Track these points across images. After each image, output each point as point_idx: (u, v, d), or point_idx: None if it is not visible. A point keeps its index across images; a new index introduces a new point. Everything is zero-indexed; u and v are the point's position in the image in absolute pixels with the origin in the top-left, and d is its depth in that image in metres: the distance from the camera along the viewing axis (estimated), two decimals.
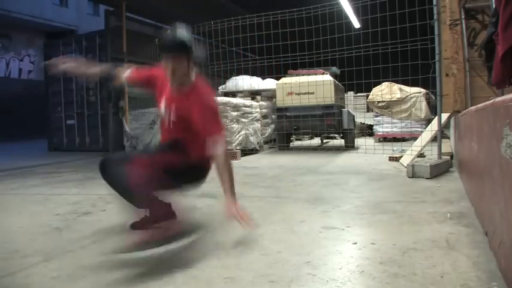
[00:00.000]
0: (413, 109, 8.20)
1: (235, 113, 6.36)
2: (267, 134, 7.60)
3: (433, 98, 6.31)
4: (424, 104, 8.13)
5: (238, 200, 1.93)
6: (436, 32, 4.15)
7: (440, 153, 4.20)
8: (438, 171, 3.86)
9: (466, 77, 5.16)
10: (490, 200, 1.70)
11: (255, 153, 6.85)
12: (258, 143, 7.04)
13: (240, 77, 7.81)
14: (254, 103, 7.16)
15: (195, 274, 1.55)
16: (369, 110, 10.04)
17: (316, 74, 7.39)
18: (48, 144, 9.55)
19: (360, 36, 5.35)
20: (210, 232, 2.16)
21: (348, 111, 7.40)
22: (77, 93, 8.93)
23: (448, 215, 2.32)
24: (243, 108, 6.63)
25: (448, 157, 4.36)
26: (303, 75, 7.35)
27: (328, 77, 7.13)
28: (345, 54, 5.35)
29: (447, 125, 5.33)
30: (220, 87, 8.16)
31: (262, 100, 7.65)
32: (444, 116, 4.62)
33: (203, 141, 1.97)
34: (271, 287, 1.43)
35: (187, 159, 2.04)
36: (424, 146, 4.61)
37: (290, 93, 7.06)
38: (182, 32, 1.99)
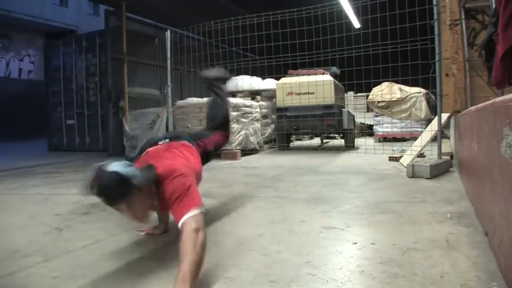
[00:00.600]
0: (413, 109, 8.20)
1: (235, 113, 6.36)
2: (267, 134, 7.60)
3: (433, 98, 6.31)
4: (424, 104, 8.13)
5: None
6: (436, 32, 4.15)
7: (440, 153, 4.20)
8: (438, 171, 3.86)
9: (466, 77, 5.16)
10: (490, 200, 1.70)
11: (255, 153, 6.85)
12: (258, 143, 7.05)
13: (240, 77, 7.82)
14: (254, 103, 7.16)
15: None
16: (369, 110, 10.04)
17: (316, 74, 7.39)
18: (48, 144, 9.56)
19: (360, 36, 5.35)
20: (209, 232, 2.16)
21: (348, 111, 7.40)
22: (77, 93, 8.94)
23: (448, 215, 2.32)
24: (243, 108, 6.64)
25: (448, 157, 4.36)
26: (303, 75, 7.35)
27: (328, 77, 7.13)
28: (345, 54, 5.35)
29: (447, 125, 5.33)
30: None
31: (262, 100, 7.65)
32: (444, 116, 4.62)
33: None
34: (271, 287, 1.43)
35: None
36: (424, 146, 4.60)
37: (290, 93, 7.06)
38: (116, 169, 1.49)
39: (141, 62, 8.26)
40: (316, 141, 9.12)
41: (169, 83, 6.20)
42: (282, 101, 7.19)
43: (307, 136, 9.20)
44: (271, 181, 3.86)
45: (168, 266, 1.64)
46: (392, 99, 8.33)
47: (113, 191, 1.46)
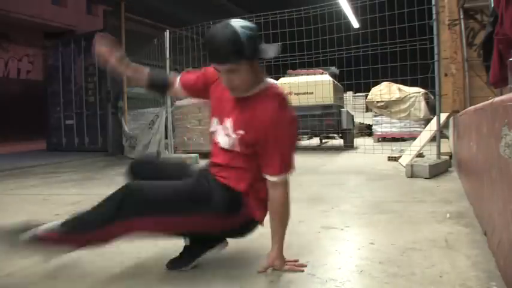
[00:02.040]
0: (412, 109, 8.21)
1: None
2: None
3: (432, 97, 6.32)
4: (423, 103, 8.14)
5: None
6: (434, 32, 4.15)
7: (439, 153, 4.21)
8: (437, 171, 3.87)
9: (464, 77, 5.18)
10: (488, 199, 1.71)
11: None
12: None
13: None
14: None
15: (194, 274, 1.55)
16: (368, 109, 10.05)
17: (315, 74, 7.39)
18: (47, 144, 9.54)
19: (359, 36, 5.35)
20: None
21: (347, 111, 7.41)
22: (76, 94, 8.92)
23: (447, 214, 2.32)
24: None
25: (447, 157, 4.36)
26: (302, 75, 7.35)
27: (327, 77, 7.14)
28: (344, 54, 5.35)
29: (446, 124, 5.33)
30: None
31: None
32: (443, 116, 4.63)
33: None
34: (271, 287, 1.43)
35: (234, 222, 1.53)
36: (423, 146, 4.61)
37: (289, 93, 7.06)
38: (235, 25, 1.34)
39: (140, 62, 8.23)
40: (315, 141, 9.13)
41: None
42: None
43: (306, 136, 9.21)
44: None
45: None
46: (391, 99, 8.34)
47: (241, 39, 1.32)
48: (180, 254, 1.62)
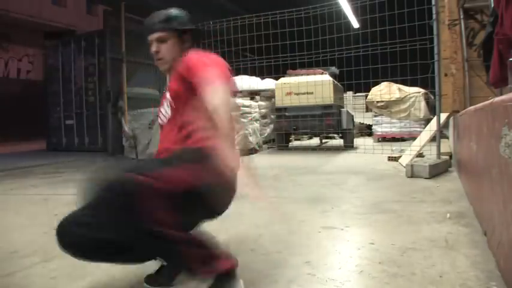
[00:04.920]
0: (412, 109, 8.21)
1: (234, 113, 6.37)
2: (266, 134, 7.60)
3: (432, 97, 6.33)
4: (423, 103, 8.14)
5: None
6: (435, 32, 4.15)
7: (439, 153, 4.21)
8: (437, 171, 3.87)
9: (465, 77, 5.17)
10: (488, 199, 1.71)
11: (254, 153, 6.85)
12: (257, 143, 7.04)
13: (239, 77, 7.82)
14: (253, 103, 7.16)
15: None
16: (368, 109, 10.05)
17: (315, 74, 7.39)
18: (47, 144, 9.54)
19: (359, 36, 5.35)
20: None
21: (347, 111, 7.41)
22: (76, 93, 8.93)
23: (447, 214, 2.32)
24: (242, 108, 6.64)
25: (447, 157, 4.36)
26: (302, 75, 7.35)
27: (327, 77, 7.13)
28: (344, 54, 5.35)
29: (446, 124, 5.33)
30: None
31: (261, 100, 7.65)
32: (443, 116, 4.63)
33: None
34: (271, 287, 1.43)
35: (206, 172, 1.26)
36: (423, 146, 4.61)
37: (289, 93, 7.07)
38: (171, 9, 1.62)
39: (140, 62, 8.25)
40: (315, 141, 9.12)
41: (168, 83, 6.19)
42: (281, 101, 7.19)
43: (306, 136, 9.21)
44: (270, 181, 3.86)
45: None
46: (391, 99, 8.34)
47: (170, 14, 1.58)
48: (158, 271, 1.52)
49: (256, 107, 7.18)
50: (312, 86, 6.93)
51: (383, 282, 1.41)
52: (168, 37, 1.56)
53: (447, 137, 5.75)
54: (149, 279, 1.49)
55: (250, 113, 6.88)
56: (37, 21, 13.24)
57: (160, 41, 1.56)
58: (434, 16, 4.16)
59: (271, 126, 7.78)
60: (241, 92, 7.62)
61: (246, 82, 7.71)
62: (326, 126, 6.97)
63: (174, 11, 1.61)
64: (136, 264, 1.42)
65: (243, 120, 6.60)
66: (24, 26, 13.23)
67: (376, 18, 4.96)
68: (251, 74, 7.99)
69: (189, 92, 1.46)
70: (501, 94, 2.51)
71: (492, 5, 3.00)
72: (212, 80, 1.35)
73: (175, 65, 1.57)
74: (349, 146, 7.21)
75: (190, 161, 1.36)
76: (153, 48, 1.57)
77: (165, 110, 1.60)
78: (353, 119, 7.78)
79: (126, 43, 7.77)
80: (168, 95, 1.59)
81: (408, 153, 4.63)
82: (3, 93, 13.06)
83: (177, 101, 1.53)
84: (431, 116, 6.51)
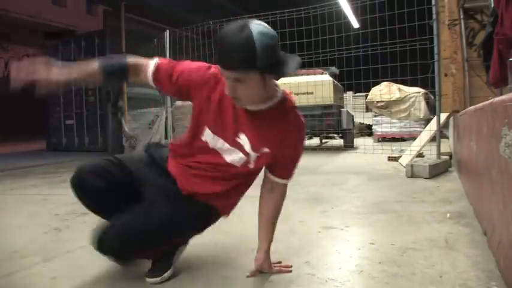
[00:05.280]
0: (412, 109, 8.21)
1: None
2: None
3: (432, 97, 6.33)
4: (423, 103, 8.14)
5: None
6: (435, 32, 4.15)
7: (439, 153, 4.21)
8: (437, 171, 3.87)
9: (465, 77, 5.17)
10: (488, 199, 1.71)
11: None
12: None
13: None
14: None
15: (194, 274, 1.55)
16: (368, 109, 10.05)
17: (315, 74, 7.39)
18: (47, 145, 9.56)
19: (359, 36, 5.35)
20: (209, 232, 2.16)
21: (347, 111, 7.41)
22: (76, 94, 8.94)
23: (448, 214, 2.32)
24: None
25: (447, 157, 4.36)
26: (302, 75, 7.35)
27: (327, 77, 7.13)
28: (344, 54, 5.35)
29: (446, 124, 5.33)
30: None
31: None
32: (443, 116, 4.63)
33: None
34: (271, 287, 1.43)
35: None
36: (423, 146, 4.61)
37: (289, 93, 7.06)
38: (253, 29, 1.18)
39: None
40: (315, 141, 9.12)
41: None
42: None
43: (306, 136, 9.20)
44: None
45: None
46: (391, 99, 8.34)
47: (256, 46, 1.16)
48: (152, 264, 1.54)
49: None
50: (312, 86, 6.93)
51: (383, 282, 1.41)
52: (250, 78, 1.22)
53: (447, 137, 5.75)
54: (149, 272, 1.51)
55: None
56: (37, 21, 13.24)
57: (238, 80, 1.23)
58: (434, 16, 4.16)
59: None
60: None
61: None
62: (326, 126, 6.97)
63: (259, 40, 1.17)
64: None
65: None
66: (24, 26, 13.23)
67: (376, 18, 4.96)
68: None
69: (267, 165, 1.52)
70: (501, 94, 2.51)
71: (492, 5, 3.00)
72: (290, 178, 1.56)
73: (260, 105, 1.36)
74: (349, 146, 7.21)
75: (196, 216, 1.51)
76: (229, 88, 1.26)
77: (232, 155, 1.43)
78: (353, 119, 7.78)
79: (126, 43, 7.77)
80: (249, 141, 1.39)
81: (408, 153, 4.63)
82: (3, 93, 13.07)
83: (261, 162, 1.47)
84: (431, 116, 6.51)
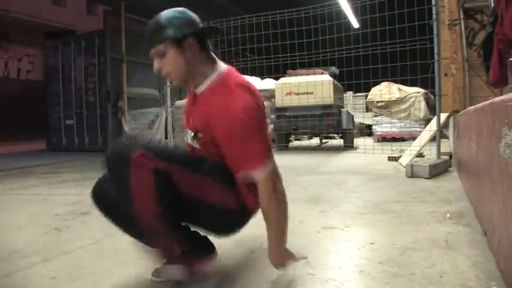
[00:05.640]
0: (412, 109, 8.22)
1: None
2: None
3: (432, 97, 6.33)
4: (423, 103, 8.14)
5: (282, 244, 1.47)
6: (435, 32, 4.15)
7: (439, 153, 4.21)
8: (437, 171, 3.87)
9: (465, 77, 5.18)
10: (488, 199, 1.71)
11: None
12: None
13: None
14: None
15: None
16: (368, 109, 10.05)
17: (315, 74, 7.39)
18: (47, 144, 9.55)
19: (359, 36, 5.35)
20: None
21: (347, 111, 7.41)
22: (76, 93, 8.93)
23: (448, 214, 2.32)
24: None
25: (447, 157, 4.36)
26: (302, 75, 7.35)
27: (327, 77, 7.14)
28: (344, 54, 5.35)
29: (446, 124, 5.33)
30: None
31: None
32: (443, 116, 4.62)
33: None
34: (271, 287, 1.43)
35: (236, 200, 1.38)
36: (423, 146, 4.61)
37: (289, 93, 7.07)
38: (161, 13, 1.38)
39: (140, 62, 8.26)
40: (315, 141, 9.12)
41: (168, 83, 6.20)
42: (281, 101, 7.19)
43: (306, 136, 9.21)
44: None
45: None
46: (391, 99, 8.34)
47: (148, 33, 1.35)
48: None
49: None
50: (312, 86, 6.93)
51: (383, 282, 1.41)
52: (166, 49, 1.32)
53: (447, 137, 5.75)
54: (156, 271, 1.45)
55: None
56: (37, 21, 13.25)
57: (159, 55, 1.34)
58: (434, 16, 4.16)
59: (271, 126, 7.78)
60: None
61: None
62: (326, 126, 6.97)
63: (165, 16, 1.35)
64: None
65: None
66: (24, 26, 13.24)
67: (376, 18, 4.96)
68: (251, 74, 7.99)
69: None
70: (501, 94, 2.51)
71: (492, 5, 3.00)
72: (253, 166, 1.29)
73: (194, 79, 1.40)
74: (349, 146, 7.22)
75: (223, 181, 1.36)
76: (155, 65, 1.36)
77: (191, 138, 1.46)
78: (353, 119, 7.78)
79: (126, 43, 7.77)
80: (190, 119, 1.45)
81: (408, 153, 4.63)
82: (3, 93, 13.08)
83: (205, 147, 1.40)
84: (431, 116, 6.51)
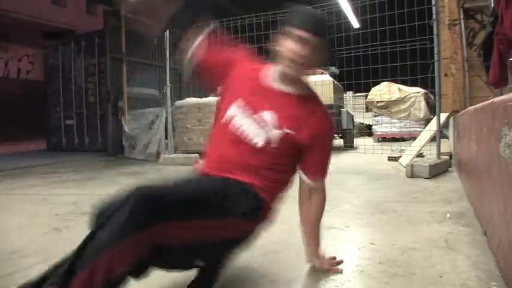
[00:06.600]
0: (412, 109, 8.22)
1: None
2: None
3: (432, 97, 6.32)
4: (423, 103, 8.14)
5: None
6: (435, 32, 4.15)
7: (439, 153, 4.21)
8: (437, 171, 3.87)
9: (465, 77, 5.18)
10: (488, 199, 1.71)
11: None
12: None
13: None
14: None
15: (193, 274, 1.55)
16: (368, 109, 10.05)
17: (315, 74, 7.39)
18: (47, 144, 9.55)
19: (359, 36, 5.35)
20: None
21: (347, 111, 7.41)
22: (76, 94, 8.93)
23: (448, 214, 2.32)
24: None
25: (447, 157, 4.36)
26: None
27: (327, 77, 7.13)
28: (344, 54, 5.35)
29: (446, 124, 5.33)
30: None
31: None
32: (443, 116, 4.63)
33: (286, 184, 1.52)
34: (271, 287, 1.43)
35: (252, 227, 1.31)
36: (423, 146, 4.61)
37: None
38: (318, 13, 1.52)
39: (140, 62, 8.25)
40: None
41: (168, 83, 6.20)
42: None
43: None
44: None
45: None
46: (391, 99, 8.34)
47: (320, 23, 1.45)
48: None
49: None
50: (312, 86, 6.92)
51: (383, 282, 1.41)
52: (319, 47, 1.40)
53: (447, 137, 5.75)
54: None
55: None
56: (37, 21, 13.24)
57: (307, 44, 1.35)
58: (434, 16, 4.16)
59: None
60: None
61: None
62: None
63: (324, 18, 1.53)
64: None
65: None
66: (24, 26, 13.23)
67: (376, 18, 4.96)
68: None
69: (295, 153, 1.46)
70: (501, 94, 2.51)
71: (492, 5, 3.00)
72: (324, 175, 1.62)
73: (301, 78, 1.47)
74: (349, 146, 7.21)
75: (245, 215, 1.25)
76: (297, 48, 1.35)
77: (254, 131, 1.37)
78: (353, 119, 7.78)
79: (126, 43, 7.76)
80: (275, 119, 1.38)
81: (408, 153, 4.63)
82: (3, 93, 13.07)
83: (284, 144, 1.39)
84: (431, 116, 6.51)
